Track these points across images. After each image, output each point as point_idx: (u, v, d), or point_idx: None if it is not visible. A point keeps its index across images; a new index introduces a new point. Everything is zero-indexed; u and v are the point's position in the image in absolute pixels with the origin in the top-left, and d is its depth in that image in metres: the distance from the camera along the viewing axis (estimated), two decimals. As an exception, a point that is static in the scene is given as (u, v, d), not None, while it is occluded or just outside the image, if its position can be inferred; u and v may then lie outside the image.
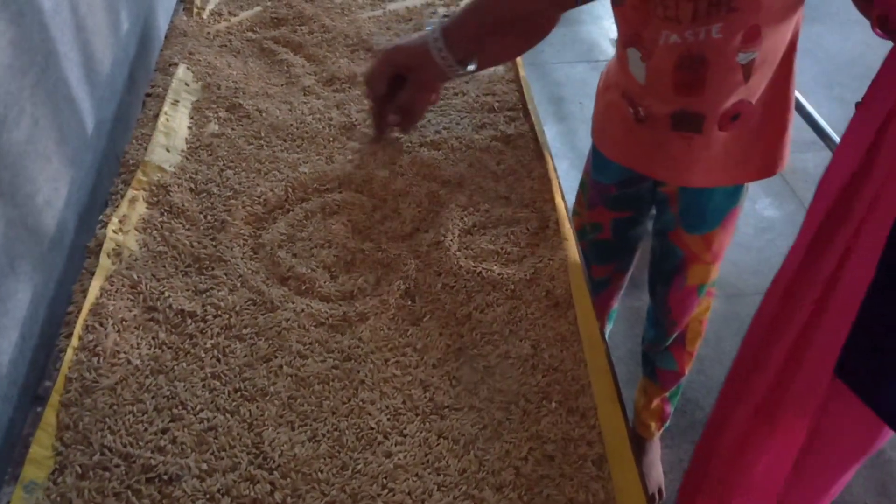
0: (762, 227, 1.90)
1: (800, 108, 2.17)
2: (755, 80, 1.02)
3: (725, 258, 1.82)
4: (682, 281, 1.27)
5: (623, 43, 1.03)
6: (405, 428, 0.68)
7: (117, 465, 0.64)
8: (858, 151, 0.78)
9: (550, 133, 2.38)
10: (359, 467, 0.65)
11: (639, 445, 1.54)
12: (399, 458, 0.66)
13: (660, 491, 1.53)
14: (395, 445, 0.67)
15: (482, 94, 1.08)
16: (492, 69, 1.12)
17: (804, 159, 2.10)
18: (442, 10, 1.26)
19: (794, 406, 0.89)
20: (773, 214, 1.96)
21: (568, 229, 0.87)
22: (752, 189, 2.03)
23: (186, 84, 1.05)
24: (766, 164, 1.12)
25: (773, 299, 0.91)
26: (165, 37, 1.16)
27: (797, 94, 1.13)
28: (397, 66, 0.91)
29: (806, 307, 0.85)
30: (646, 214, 1.27)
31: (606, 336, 1.48)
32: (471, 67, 0.94)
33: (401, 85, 0.93)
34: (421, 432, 0.68)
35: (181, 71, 1.06)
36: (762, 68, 1.01)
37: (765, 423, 0.92)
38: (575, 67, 2.70)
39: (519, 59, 1.14)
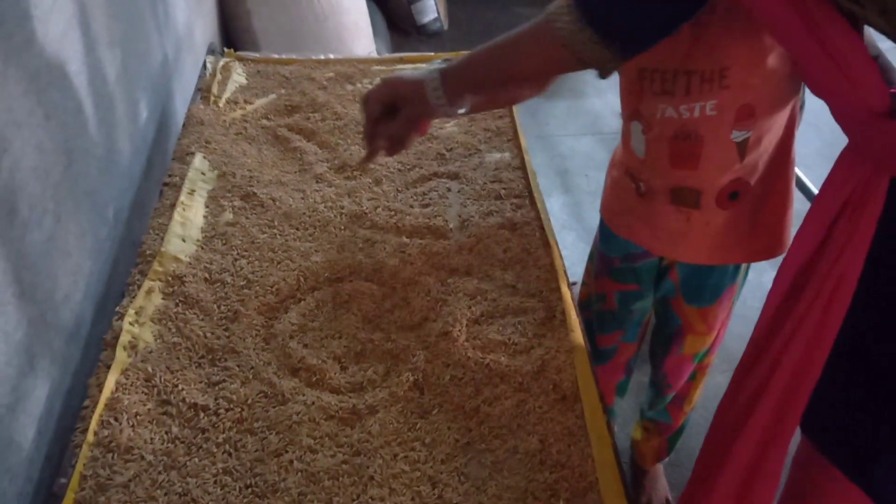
0: (768, 300, 1.91)
1: (801, 185, 2.19)
2: (751, 158, 1.04)
3: (731, 331, 1.82)
4: (679, 349, 1.29)
5: (626, 116, 1.07)
6: (414, 526, 0.69)
7: (129, 566, 0.64)
8: (811, 244, 0.81)
9: (557, 204, 2.41)
10: (368, 568, 0.65)
11: (640, 473, 1.58)
12: (408, 558, 0.66)
13: (668, 501, 1.55)
14: (404, 545, 0.67)
15: (489, 181, 1.11)
16: (498, 156, 1.16)
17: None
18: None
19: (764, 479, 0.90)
20: (780, 287, 1.97)
21: (574, 319, 0.88)
22: (759, 262, 2.04)
23: (203, 173, 1.09)
24: (767, 245, 1.14)
25: (736, 377, 0.94)
26: (183, 125, 1.20)
27: (798, 170, 1.16)
28: (393, 96, 0.94)
29: (758, 386, 0.87)
30: (650, 288, 1.29)
31: (613, 409, 1.49)
32: (461, 111, 0.96)
33: (395, 113, 0.95)
34: (430, 531, 0.69)
35: (198, 160, 1.10)
36: (757, 147, 1.03)
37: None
38: (580, 140, 2.75)
39: (525, 146, 1.17)
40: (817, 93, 0.78)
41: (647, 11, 0.79)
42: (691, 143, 1.02)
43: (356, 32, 2.09)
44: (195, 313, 0.88)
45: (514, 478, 0.73)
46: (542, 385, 0.81)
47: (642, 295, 1.29)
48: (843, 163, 0.79)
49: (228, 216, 1.03)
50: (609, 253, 1.26)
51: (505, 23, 3.34)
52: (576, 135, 2.79)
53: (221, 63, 1.37)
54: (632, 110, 1.04)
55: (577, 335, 0.86)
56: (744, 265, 1.17)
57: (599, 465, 0.73)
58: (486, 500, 0.71)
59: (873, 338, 0.78)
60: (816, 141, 2.48)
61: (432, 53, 1.43)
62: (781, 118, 1.03)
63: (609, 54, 0.81)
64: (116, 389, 0.78)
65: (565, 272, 0.96)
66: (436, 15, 2.95)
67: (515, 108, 1.28)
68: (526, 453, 0.75)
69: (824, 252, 0.80)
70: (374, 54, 2.20)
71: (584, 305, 1.36)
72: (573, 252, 2.16)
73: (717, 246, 1.12)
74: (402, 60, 1.43)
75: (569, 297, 0.91)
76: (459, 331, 0.87)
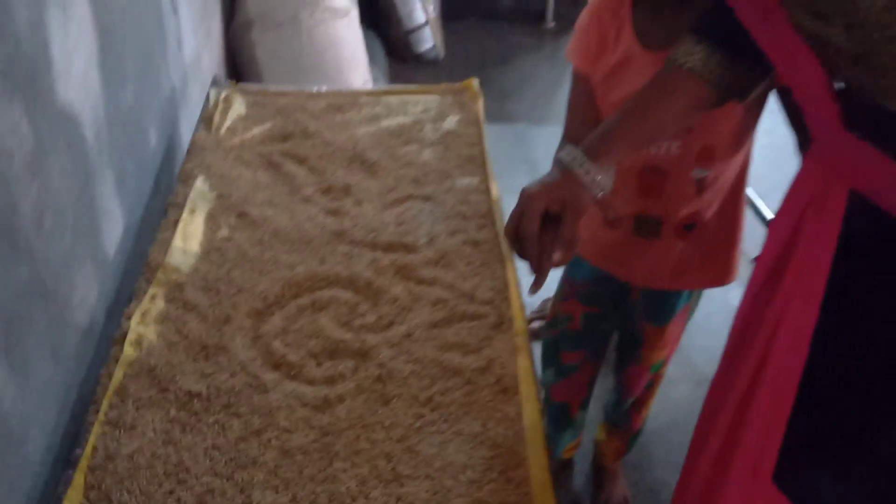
0: (732, 315, 2.02)
1: (772, 206, 2.32)
2: (708, 195, 1.19)
3: (694, 345, 1.95)
4: (638, 361, 1.43)
5: None
6: (370, 493, 0.82)
7: (131, 520, 0.78)
8: (766, 270, 0.91)
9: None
10: (329, 525, 0.79)
11: (600, 471, 1.70)
12: (363, 518, 0.79)
13: (626, 499, 1.67)
14: (360, 501, 0.81)
15: (458, 203, 1.25)
16: (468, 181, 1.30)
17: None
18: (429, 127, 1.45)
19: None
20: (745, 303, 2.09)
21: (520, 325, 1.02)
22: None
23: (203, 194, 1.23)
24: (719, 274, 1.28)
25: (707, 401, 1.01)
26: (187, 151, 1.35)
27: (759, 199, 1.30)
28: (549, 203, 0.88)
29: (729, 410, 0.93)
30: (613, 311, 1.42)
31: (577, 421, 1.61)
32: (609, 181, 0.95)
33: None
34: (383, 496, 0.82)
35: (199, 182, 1.24)
36: (714, 186, 1.18)
37: None
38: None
39: (490, 172, 1.31)
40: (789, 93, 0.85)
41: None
42: (656, 176, 1.16)
43: (353, 63, 2.25)
44: (192, 316, 1.02)
45: (457, 455, 0.86)
46: (487, 379, 0.95)
47: (605, 317, 1.43)
48: (805, 168, 0.86)
49: (224, 232, 1.17)
50: (577, 277, 1.39)
51: (500, 51, 3.50)
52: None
53: (223, 94, 1.52)
54: None
55: (522, 338, 1.00)
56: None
57: (530, 445, 0.86)
58: (432, 472, 0.84)
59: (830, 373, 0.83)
60: (778, 173, 2.60)
61: (415, 87, 1.58)
62: (738, 160, 1.18)
63: (743, 71, 0.87)
64: (124, 378, 0.92)
65: (517, 284, 1.09)
66: (433, 44, 3.11)
67: (491, 135, 1.42)
68: (469, 435, 0.88)
69: (788, 266, 0.85)
70: (370, 83, 2.36)
71: (551, 324, 1.49)
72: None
73: (674, 272, 1.26)
74: (387, 93, 1.57)
75: (517, 306, 1.05)
76: (421, 333, 1.01)
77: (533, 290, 0.89)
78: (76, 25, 0.98)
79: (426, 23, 3.08)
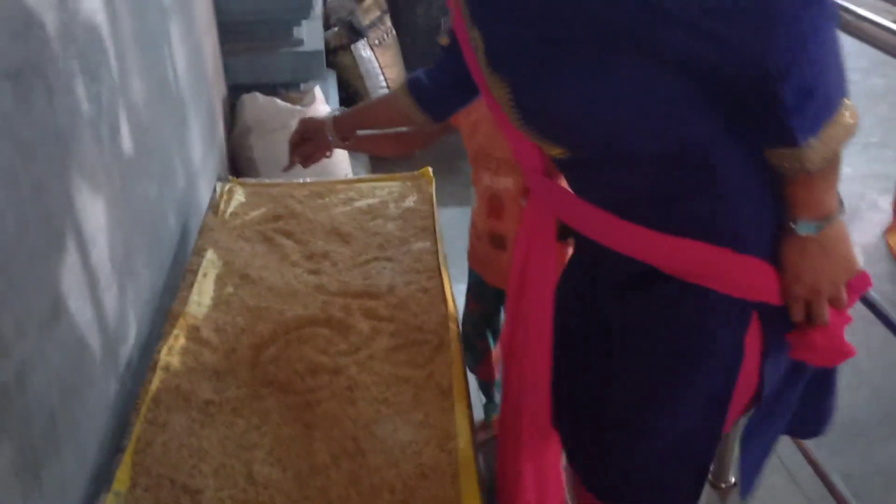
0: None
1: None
2: None
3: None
4: None
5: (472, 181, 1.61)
6: (341, 464, 1.12)
7: (166, 485, 1.08)
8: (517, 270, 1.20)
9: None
10: (310, 483, 1.09)
11: None
12: (334, 479, 1.09)
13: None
14: (333, 472, 1.11)
15: (413, 262, 1.58)
16: (422, 245, 1.64)
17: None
18: (392, 205, 1.80)
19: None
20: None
21: (455, 347, 1.34)
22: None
23: (213, 262, 1.57)
24: None
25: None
26: (199, 231, 1.69)
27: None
28: (305, 132, 1.56)
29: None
30: (497, 308, 1.75)
31: (496, 398, 1.91)
32: (347, 143, 1.56)
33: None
34: (351, 465, 1.12)
35: (209, 254, 1.58)
36: None
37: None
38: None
39: (440, 238, 1.66)
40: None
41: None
42: (498, 203, 1.53)
43: (336, 159, 2.62)
44: (206, 349, 1.34)
45: (406, 436, 1.17)
46: (430, 385, 1.26)
47: (492, 313, 1.76)
48: (528, 204, 1.17)
49: (230, 290, 1.50)
50: (469, 281, 1.74)
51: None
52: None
53: (227, 187, 1.88)
54: (474, 178, 1.56)
55: (456, 355, 1.32)
56: None
57: (459, 428, 1.17)
58: (387, 448, 1.15)
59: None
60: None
61: (381, 175, 1.95)
62: None
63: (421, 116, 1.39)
64: (156, 392, 1.23)
65: (456, 320, 1.42)
66: (409, 140, 3.54)
67: (438, 211, 1.78)
68: (415, 423, 1.19)
69: (528, 272, 1.17)
70: (350, 174, 2.73)
71: (464, 319, 1.82)
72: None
73: None
74: (359, 181, 1.94)
75: (454, 333, 1.37)
76: (381, 355, 1.33)
77: (284, 170, 1.65)
78: (122, 140, 1.34)
79: (402, 123, 3.51)
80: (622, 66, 0.82)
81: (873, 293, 1.32)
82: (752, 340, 0.96)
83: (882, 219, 3.09)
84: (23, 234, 0.94)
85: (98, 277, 1.19)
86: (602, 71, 0.83)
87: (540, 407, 1.18)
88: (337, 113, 1.52)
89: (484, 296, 1.74)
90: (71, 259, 1.08)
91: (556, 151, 0.93)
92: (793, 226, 0.88)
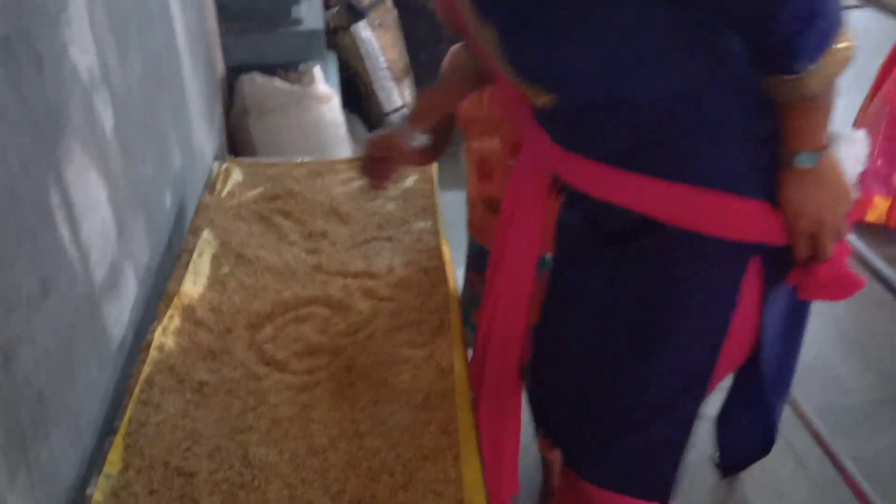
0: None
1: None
2: None
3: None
4: None
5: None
6: (339, 445, 1.09)
7: (159, 467, 1.05)
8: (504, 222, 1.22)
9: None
10: (307, 466, 1.06)
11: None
12: (331, 461, 1.07)
13: None
14: (330, 454, 1.08)
15: (413, 241, 1.55)
16: (422, 224, 1.60)
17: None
18: (392, 186, 1.76)
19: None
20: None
21: (456, 326, 1.31)
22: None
23: (209, 242, 1.54)
24: None
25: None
26: (195, 210, 1.66)
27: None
28: (374, 150, 1.34)
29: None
30: None
31: None
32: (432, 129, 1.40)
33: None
34: (349, 447, 1.09)
35: (206, 233, 1.55)
36: None
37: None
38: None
39: (441, 218, 1.62)
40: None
41: None
42: (487, 166, 1.50)
43: (335, 142, 2.59)
44: (202, 329, 1.31)
45: (405, 417, 1.14)
46: (429, 364, 1.23)
47: None
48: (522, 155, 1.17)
49: (226, 269, 1.47)
50: (469, 252, 1.70)
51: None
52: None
53: (224, 166, 1.84)
54: (466, 149, 1.54)
55: (457, 335, 1.28)
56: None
57: (460, 407, 1.14)
58: (386, 430, 1.12)
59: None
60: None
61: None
62: None
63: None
64: (150, 373, 1.20)
65: (457, 299, 1.39)
66: (410, 123, 3.50)
67: (438, 191, 1.74)
68: (414, 404, 1.16)
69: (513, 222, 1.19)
70: (350, 154, 2.69)
71: (463, 291, 1.79)
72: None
73: None
74: (355, 161, 1.90)
75: (455, 314, 1.34)
76: (381, 335, 1.30)
77: (371, 189, 1.42)
78: (112, 119, 1.30)
79: (403, 106, 3.46)
80: (615, 2, 0.82)
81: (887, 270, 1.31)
82: (751, 287, 0.97)
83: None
84: (10, 210, 0.90)
85: (89, 255, 1.16)
86: (593, 8, 0.82)
87: (508, 360, 1.21)
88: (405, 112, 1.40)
89: (483, 264, 1.70)
90: (61, 236, 1.05)
91: (543, 99, 0.92)
92: (794, 159, 0.89)
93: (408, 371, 1.22)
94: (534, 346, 1.22)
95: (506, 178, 1.49)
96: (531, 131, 1.05)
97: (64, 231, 1.06)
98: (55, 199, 1.04)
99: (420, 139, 1.35)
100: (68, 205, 1.08)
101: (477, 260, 1.71)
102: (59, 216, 1.05)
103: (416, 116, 1.34)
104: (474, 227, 1.64)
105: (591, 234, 1.08)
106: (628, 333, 1.05)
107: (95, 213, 1.19)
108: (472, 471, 1.04)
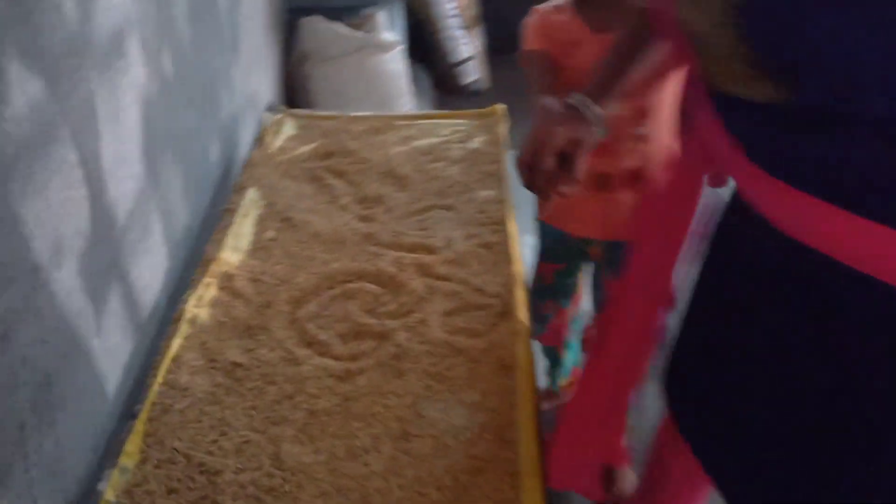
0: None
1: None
2: (647, 149, 1.31)
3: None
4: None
5: None
6: (382, 448, 0.96)
7: (180, 461, 0.94)
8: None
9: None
10: (345, 471, 0.93)
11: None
12: (373, 467, 0.93)
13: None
14: (372, 458, 0.94)
15: (476, 212, 1.39)
16: (486, 193, 1.44)
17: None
18: (457, 146, 1.60)
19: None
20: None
21: (521, 313, 1.15)
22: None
23: (254, 202, 1.40)
24: None
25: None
26: (243, 166, 1.53)
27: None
28: (565, 143, 0.95)
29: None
30: (577, 264, 1.55)
31: (565, 361, 1.72)
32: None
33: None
34: (392, 450, 0.96)
35: (251, 192, 1.42)
36: (651, 140, 1.31)
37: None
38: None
39: (509, 185, 1.45)
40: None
41: None
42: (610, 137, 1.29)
43: (398, 93, 2.43)
44: (240, 302, 1.19)
45: (458, 419, 1.00)
46: (488, 358, 1.08)
47: (571, 272, 1.56)
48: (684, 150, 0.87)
49: (271, 234, 1.34)
50: (542, 240, 1.53)
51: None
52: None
53: (276, 118, 1.70)
54: None
55: (521, 325, 1.13)
56: None
57: (520, 412, 0.99)
58: (436, 433, 0.98)
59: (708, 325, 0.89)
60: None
61: (446, 111, 1.74)
62: (671, 116, 1.31)
63: None
64: (180, 349, 1.08)
65: (523, 281, 1.23)
66: (477, 76, 3.28)
67: (507, 154, 1.57)
68: (470, 403, 1.02)
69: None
70: (412, 108, 2.53)
71: (532, 287, 1.63)
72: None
73: (623, 223, 1.37)
74: (420, 117, 1.74)
75: (520, 298, 1.18)
76: (435, 319, 1.15)
77: (542, 213, 1.08)
78: (150, 59, 1.17)
79: (472, 56, 3.26)
80: None
81: None
82: None
83: None
84: (14, 160, 0.78)
85: (115, 215, 1.03)
86: None
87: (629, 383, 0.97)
88: (583, 96, 1.00)
89: (564, 253, 1.54)
90: (78, 193, 0.93)
91: (768, 91, 0.62)
92: None
93: (463, 364, 1.08)
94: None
95: (628, 149, 1.31)
96: (713, 142, 0.74)
97: (82, 188, 0.94)
98: (72, 148, 0.91)
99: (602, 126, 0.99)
100: (89, 156, 0.96)
101: (553, 249, 1.54)
102: (77, 170, 0.92)
103: (592, 92, 1.00)
104: (562, 209, 1.45)
105: (783, 292, 0.76)
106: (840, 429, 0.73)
107: (125, 168, 1.07)
108: (533, 495, 0.90)
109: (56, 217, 0.87)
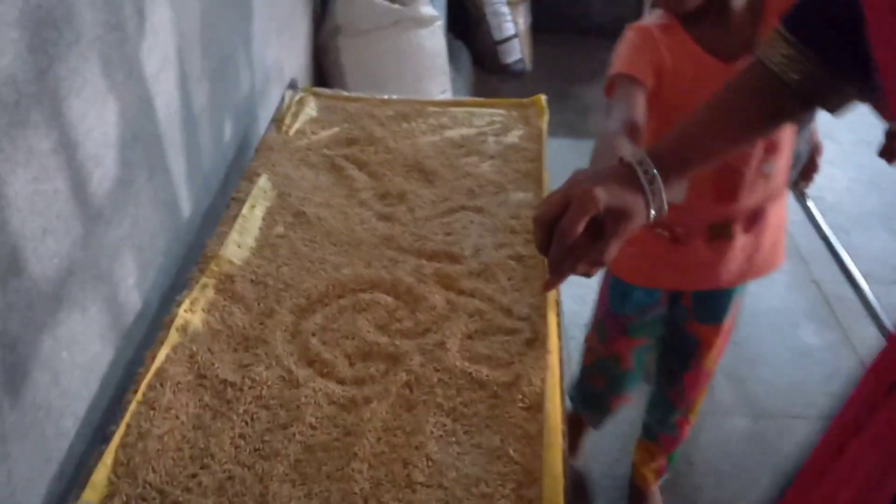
0: (801, 352, 1.94)
1: (850, 242, 2.22)
2: (773, 185, 1.17)
3: (758, 376, 1.87)
4: (699, 362, 1.39)
5: None
6: (382, 496, 0.83)
7: (153, 498, 0.82)
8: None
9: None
10: (338, 523, 0.80)
11: (640, 494, 1.63)
12: (372, 520, 0.81)
13: None
14: (371, 509, 0.82)
15: (508, 217, 1.25)
16: (522, 195, 1.30)
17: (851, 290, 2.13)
18: (492, 139, 1.45)
19: None
20: (814, 342, 1.98)
21: (554, 342, 1.01)
22: (795, 315, 2.09)
23: (265, 191, 1.28)
24: (770, 259, 1.27)
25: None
26: (256, 149, 1.40)
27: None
28: (604, 210, 0.72)
29: None
30: (656, 339, 1.40)
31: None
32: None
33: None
34: (394, 501, 0.83)
35: (262, 180, 1.29)
36: (777, 176, 1.16)
37: None
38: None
39: (547, 188, 1.31)
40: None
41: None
42: (733, 178, 1.13)
43: (433, 71, 2.28)
44: (238, 307, 1.06)
45: (473, 467, 0.86)
46: (512, 395, 0.94)
47: (651, 347, 1.40)
48: None
49: (279, 229, 1.21)
50: (622, 311, 1.36)
51: (588, 66, 3.46)
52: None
53: (298, 97, 1.57)
54: None
55: (554, 357, 0.99)
56: None
57: (547, 464, 0.86)
58: (446, 482, 0.85)
59: None
60: (874, 198, 2.48)
61: (482, 99, 1.59)
62: (791, 148, 1.16)
63: (828, 76, 0.72)
64: (165, 361, 0.96)
65: (557, 302, 1.09)
66: (520, 56, 3.11)
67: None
68: (487, 448, 0.88)
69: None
70: (448, 92, 2.38)
71: (591, 372, 1.47)
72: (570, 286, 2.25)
73: (739, 269, 1.24)
74: (454, 104, 1.59)
75: (553, 324, 1.04)
76: (454, 343, 1.01)
77: (546, 288, 0.80)
78: (152, 28, 1.04)
79: (515, 35, 3.09)
80: None
81: None
82: None
83: None
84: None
85: (93, 207, 0.91)
86: None
87: None
88: (641, 155, 0.77)
89: (649, 325, 1.37)
90: (50, 188, 0.80)
91: None
92: None
93: (482, 400, 0.94)
94: None
95: (752, 191, 1.14)
96: None
97: (57, 180, 0.81)
98: (50, 129, 0.79)
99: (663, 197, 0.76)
100: (70, 140, 0.83)
101: (630, 321, 1.36)
102: (53, 155, 0.80)
103: (658, 157, 0.76)
104: (646, 262, 1.26)
105: None
106: None
107: (117, 150, 0.94)
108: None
109: (19, 209, 0.75)
